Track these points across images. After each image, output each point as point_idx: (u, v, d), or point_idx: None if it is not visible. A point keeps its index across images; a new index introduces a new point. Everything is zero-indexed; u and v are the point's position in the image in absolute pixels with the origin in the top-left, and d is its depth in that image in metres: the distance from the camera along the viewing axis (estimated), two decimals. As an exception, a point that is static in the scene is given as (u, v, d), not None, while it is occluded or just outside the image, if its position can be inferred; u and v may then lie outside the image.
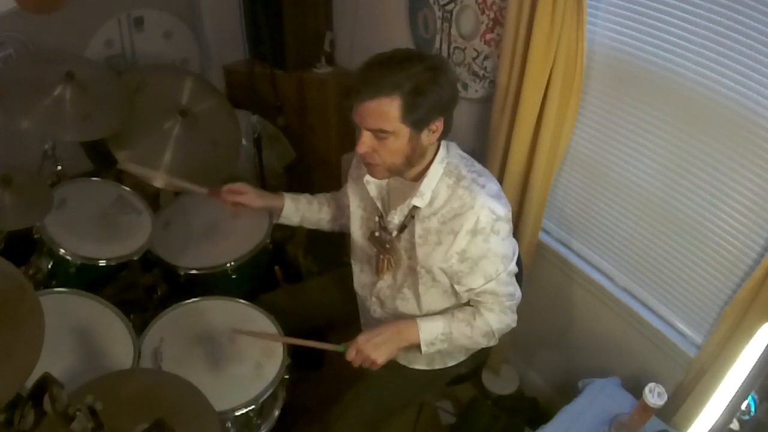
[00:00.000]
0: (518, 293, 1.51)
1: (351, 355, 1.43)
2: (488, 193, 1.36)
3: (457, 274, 1.43)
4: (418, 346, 1.46)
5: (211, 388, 1.33)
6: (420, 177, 1.41)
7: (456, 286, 1.45)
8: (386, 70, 1.27)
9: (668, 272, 1.66)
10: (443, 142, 1.43)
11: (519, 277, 1.70)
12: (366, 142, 1.33)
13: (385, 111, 1.27)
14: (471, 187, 1.37)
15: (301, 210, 1.79)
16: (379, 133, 1.31)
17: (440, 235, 1.40)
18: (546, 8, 1.53)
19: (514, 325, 1.53)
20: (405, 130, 1.30)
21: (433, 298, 1.51)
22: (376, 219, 1.54)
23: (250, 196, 1.72)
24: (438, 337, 1.45)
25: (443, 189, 1.40)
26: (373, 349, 1.41)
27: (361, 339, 1.43)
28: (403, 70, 1.26)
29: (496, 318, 1.46)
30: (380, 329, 1.45)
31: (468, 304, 1.50)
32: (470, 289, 1.44)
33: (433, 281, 1.48)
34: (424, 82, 1.27)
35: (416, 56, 1.30)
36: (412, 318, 1.48)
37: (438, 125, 1.34)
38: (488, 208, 1.35)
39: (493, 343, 1.53)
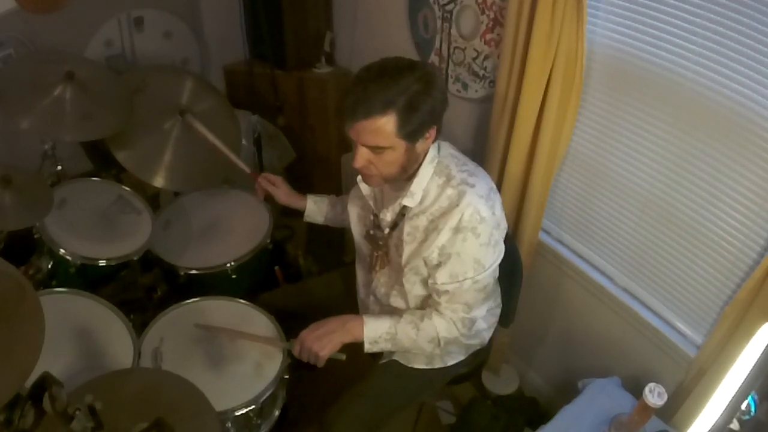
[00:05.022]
0: (478, 311, 1.47)
1: (296, 350, 1.44)
2: (477, 193, 1.36)
3: (431, 265, 1.43)
4: (362, 343, 1.46)
5: (211, 388, 1.32)
6: (411, 177, 1.41)
7: (429, 278, 1.46)
8: (378, 86, 1.25)
9: (668, 272, 1.66)
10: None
11: (518, 278, 1.71)
12: (362, 156, 1.33)
13: (381, 128, 1.27)
14: (460, 186, 1.37)
15: (323, 212, 1.84)
16: (376, 149, 1.31)
17: (426, 233, 1.41)
18: (546, 8, 1.53)
19: (463, 340, 1.50)
20: (401, 144, 1.30)
21: (420, 291, 1.51)
22: (371, 218, 1.55)
23: (280, 191, 1.82)
24: (382, 336, 1.45)
25: (433, 188, 1.40)
26: (314, 341, 1.42)
27: (304, 332, 1.44)
28: (396, 85, 1.25)
29: (445, 326, 1.45)
30: (324, 321, 1.46)
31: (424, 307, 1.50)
32: (434, 283, 1.43)
33: (416, 275, 1.48)
34: (416, 95, 1.26)
35: (406, 67, 1.28)
36: (359, 314, 1.50)
37: (432, 132, 1.35)
38: (473, 208, 1.34)
39: (437, 351, 1.53)
